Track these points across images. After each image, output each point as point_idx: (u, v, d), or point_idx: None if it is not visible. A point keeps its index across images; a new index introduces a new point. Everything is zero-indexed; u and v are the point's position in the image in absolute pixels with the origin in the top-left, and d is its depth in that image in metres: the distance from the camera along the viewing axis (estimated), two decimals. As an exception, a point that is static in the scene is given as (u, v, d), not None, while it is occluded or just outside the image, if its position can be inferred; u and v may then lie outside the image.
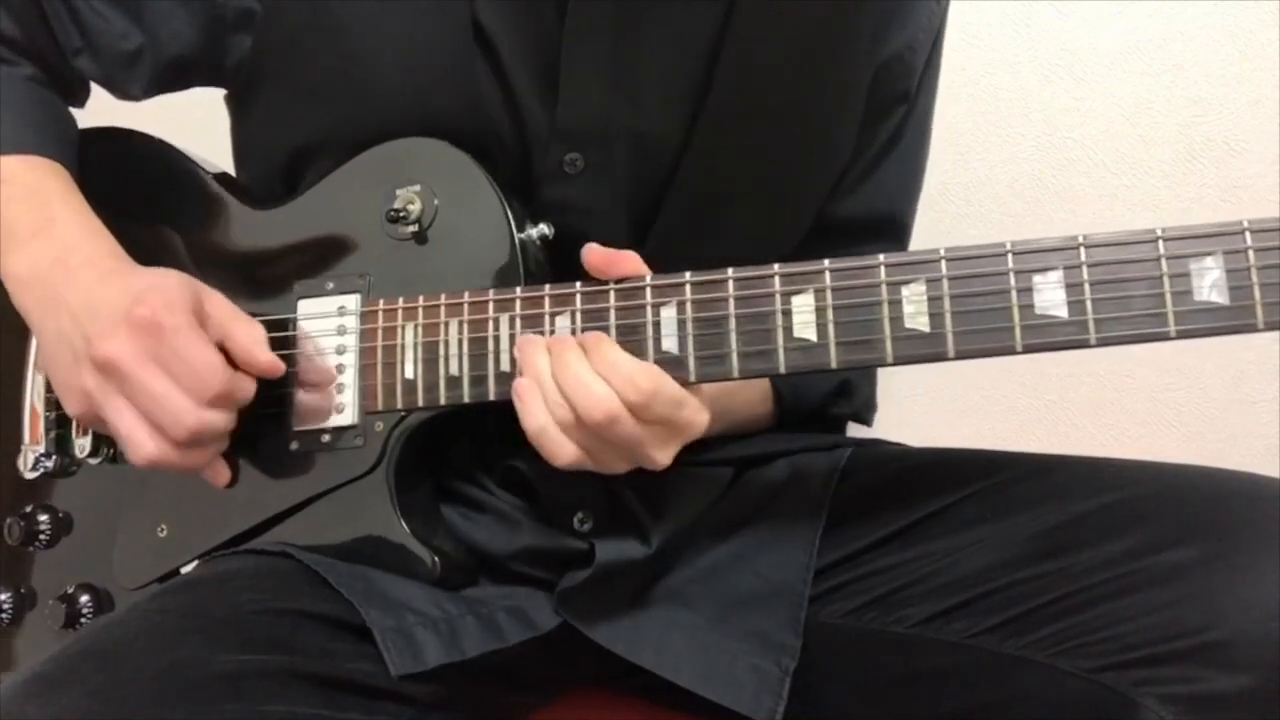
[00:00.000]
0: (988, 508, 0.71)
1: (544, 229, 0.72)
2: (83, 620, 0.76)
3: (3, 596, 0.79)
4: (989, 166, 1.20)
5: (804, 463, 0.80)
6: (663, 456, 0.65)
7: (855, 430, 0.90)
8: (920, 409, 1.23)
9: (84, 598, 0.77)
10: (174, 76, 0.78)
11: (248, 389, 0.68)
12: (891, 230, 0.87)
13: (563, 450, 0.64)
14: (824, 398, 0.85)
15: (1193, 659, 0.60)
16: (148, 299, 0.66)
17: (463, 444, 0.76)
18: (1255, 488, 0.65)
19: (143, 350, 0.65)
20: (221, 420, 0.67)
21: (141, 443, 0.66)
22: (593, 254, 0.67)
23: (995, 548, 0.69)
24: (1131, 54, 1.17)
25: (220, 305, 0.69)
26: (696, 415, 0.65)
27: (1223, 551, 0.61)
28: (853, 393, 0.86)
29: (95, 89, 0.82)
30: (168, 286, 0.67)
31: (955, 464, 0.75)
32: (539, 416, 0.64)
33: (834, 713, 0.73)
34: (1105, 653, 0.62)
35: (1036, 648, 0.65)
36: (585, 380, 0.62)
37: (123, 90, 0.80)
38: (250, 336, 0.68)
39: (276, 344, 0.72)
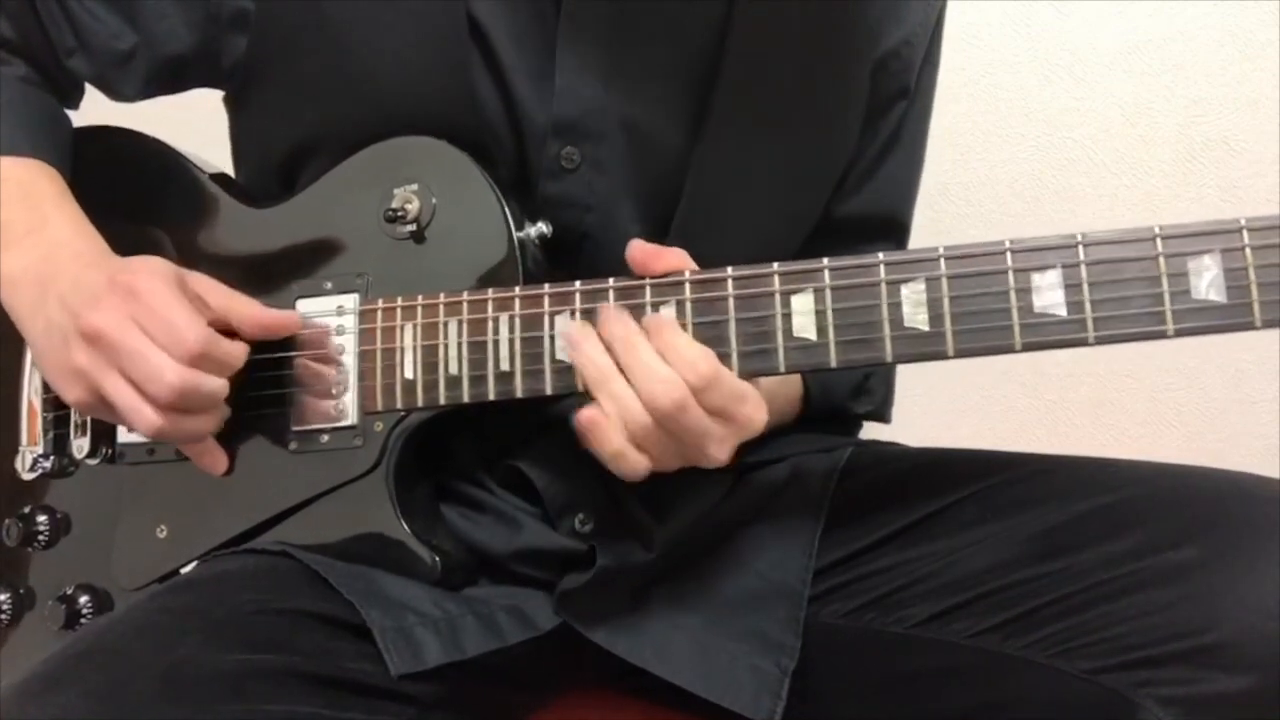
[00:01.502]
0: (988, 508, 0.71)
1: (542, 227, 0.72)
2: (82, 621, 0.76)
3: (2, 597, 0.79)
4: (989, 166, 1.20)
5: (804, 463, 0.80)
6: (722, 453, 0.64)
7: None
8: (920, 409, 1.23)
9: (83, 598, 0.77)
10: (169, 77, 0.78)
11: (235, 352, 0.68)
12: (893, 229, 0.87)
13: (637, 464, 0.63)
14: (848, 394, 0.85)
15: (1193, 660, 0.60)
16: (130, 265, 0.67)
17: (464, 443, 0.76)
18: (1255, 488, 0.65)
19: (124, 314, 0.65)
20: (208, 383, 0.66)
21: (139, 410, 0.66)
22: (635, 248, 0.66)
23: (995, 548, 0.69)
24: (1131, 54, 1.17)
25: (211, 286, 0.69)
26: (756, 412, 0.64)
27: (1223, 552, 0.61)
28: (873, 389, 0.86)
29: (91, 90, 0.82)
30: (151, 258, 0.69)
31: (955, 464, 0.75)
32: (615, 440, 0.62)
33: (834, 713, 0.73)
34: (1105, 653, 0.62)
35: (1036, 648, 0.65)
36: (652, 366, 0.61)
37: (116, 91, 0.79)
38: (251, 303, 0.70)
39: (275, 344, 0.72)
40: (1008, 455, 0.76)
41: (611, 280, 0.66)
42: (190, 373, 0.65)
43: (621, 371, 0.62)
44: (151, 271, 0.67)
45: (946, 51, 0.85)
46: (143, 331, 0.65)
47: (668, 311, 0.65)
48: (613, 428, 0.62)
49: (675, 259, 0.66)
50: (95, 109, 0.83)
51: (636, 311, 0.65)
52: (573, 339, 0.64)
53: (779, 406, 0.81)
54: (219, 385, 0.67)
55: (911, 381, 1.21)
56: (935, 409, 1.23)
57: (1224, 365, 1.19)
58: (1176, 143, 1.17)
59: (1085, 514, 0.67)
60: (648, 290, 0.66)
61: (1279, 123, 1.14)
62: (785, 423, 0.84)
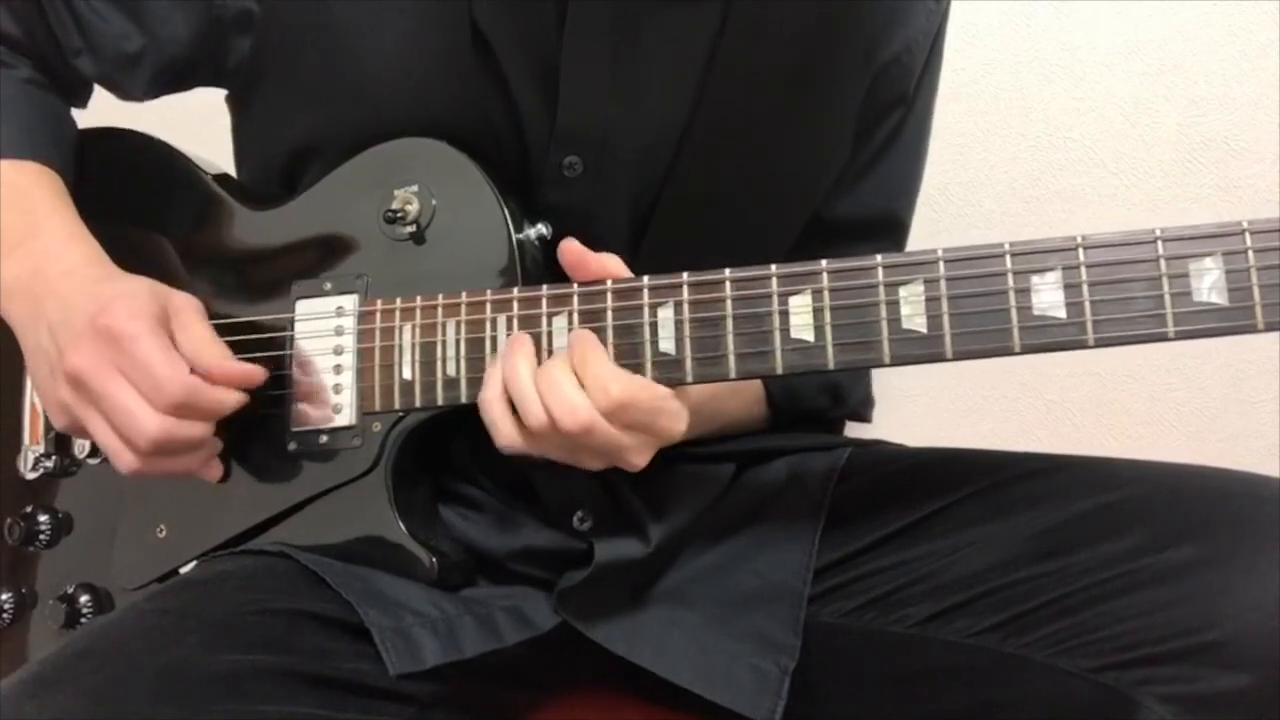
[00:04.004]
0: (988, 507, 0.71)
1: (542, 229, 0.72)
2: (83, 620, 0.77)
3: (3, 596, 0.79)
4: (989, 166, 1.20)
5: (803, 463, 0.80)
6: (640, 460, 0.65)
7: (855, 430, 0.90)
8: (920, 409, 1.23)
9: (84, 598, 0.77)
10: (175, 77, 0.78)
11: (224, 400, 0.68)
12: (889, 230, 0.86)
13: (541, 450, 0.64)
14: (817, 399, 0.85)
15: (1192, 658, 0.60)
16: (112, 308, 0.66)
17: (461, 443, 0.76)
18: (1255, 488, 0.65)
19: (105, 360, 0.65)
20: (189, 429, 0.66)
21: (119, 453, 0.66)
22: (568, 252, 0.67)
23: (995, 547, 0.69)
24: (1131, 54, 1.16)
25: (189, 325, 0.68)
26: (674, 422, 0.65)
27: (1223, 551, 0.61)
28: (845, 395, 0.86)
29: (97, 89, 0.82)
30: (135, 293, 0.68)
31: (955, 464, 0.75)
32: (509, 434, 0.64)
33: (834, 713, 0.73)
34: (1105, 652, 0.62)
35: (1036, 647, 0.65)
36: (563, 387, 0.62)
37: (124, 91, 0.80)
38: (218, 354, 0.68)
39: (274, 344, 0.72)
40: (1008, 455, 0.76)
41: (610, 281, 0.66)
42: (170, 422, 0.65)
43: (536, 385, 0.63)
44: (132, 314, 0.66)
45: (946, 51, 0.84)
46: (125, 379, 0.65)
47: (665, 313, 0.65)
48: (507, 425, 0.64)
49: (597, 267, 0.66)
50: (95, 106, 0.83)
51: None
52: (506, 348, 0.65)
53: (731, 410, 0.81)
54: (200, 432, 0.67)
55: (912, 382, 1.21)
56: (935, 409, 1.23)
57: (1224, 365, 1.18)
58: (1176, 143, 1.17)
59: (1085, 513, 0.67)
60: (645, 291, 0.66)
61: (1279, 123, 1.14)
62: (750, 428, 0.83)
